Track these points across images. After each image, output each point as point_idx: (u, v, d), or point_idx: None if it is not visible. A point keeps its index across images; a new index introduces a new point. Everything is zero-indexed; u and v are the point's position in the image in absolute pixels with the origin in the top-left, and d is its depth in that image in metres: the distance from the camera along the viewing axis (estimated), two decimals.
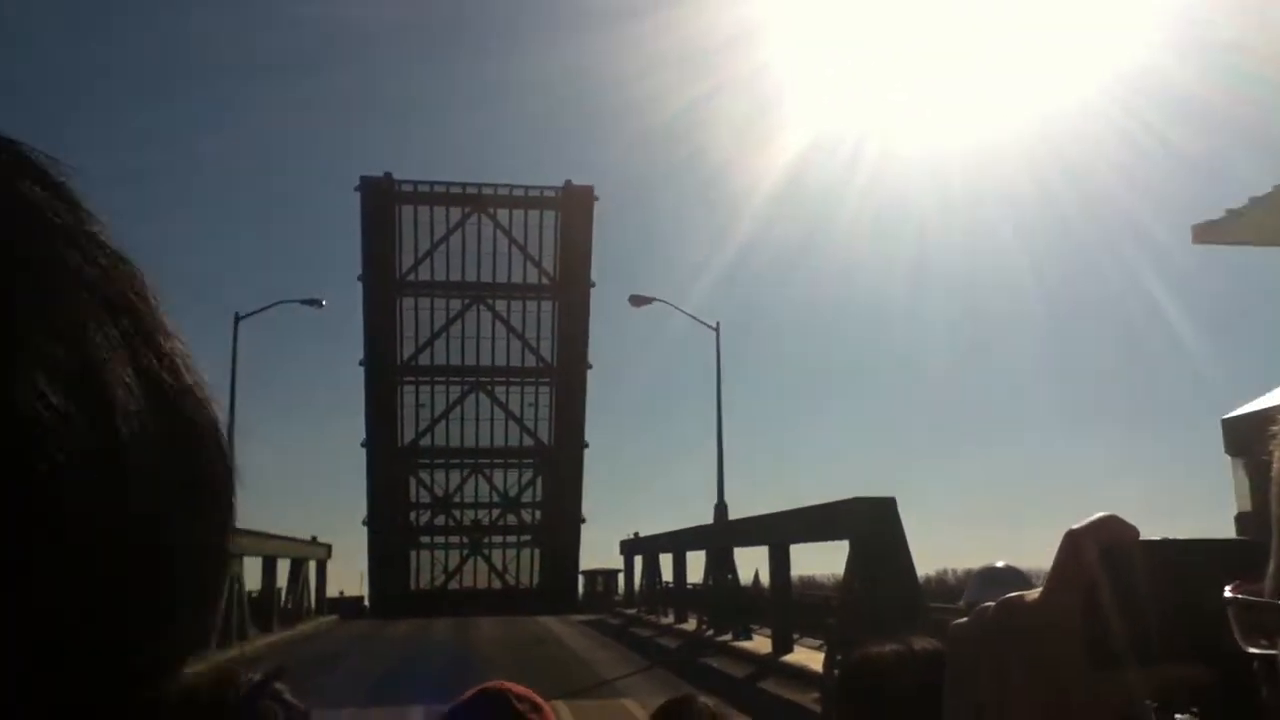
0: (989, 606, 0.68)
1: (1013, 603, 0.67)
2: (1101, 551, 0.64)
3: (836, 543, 20.79)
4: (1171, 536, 0.65)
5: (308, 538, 40.21)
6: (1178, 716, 0.62)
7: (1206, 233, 17.94)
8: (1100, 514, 0.66)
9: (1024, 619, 0.66)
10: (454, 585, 50.53)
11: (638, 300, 35.72)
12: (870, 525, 19.43)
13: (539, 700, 1.84)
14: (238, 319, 32.97)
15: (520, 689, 1.84)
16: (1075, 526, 0.66)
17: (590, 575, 49.86)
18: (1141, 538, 0.65)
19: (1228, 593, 0.61)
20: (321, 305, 35.86)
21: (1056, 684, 0.63)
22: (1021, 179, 73.62)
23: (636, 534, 42.51)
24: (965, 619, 0.70)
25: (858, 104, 78.86)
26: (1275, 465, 0.63)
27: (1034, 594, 0.67)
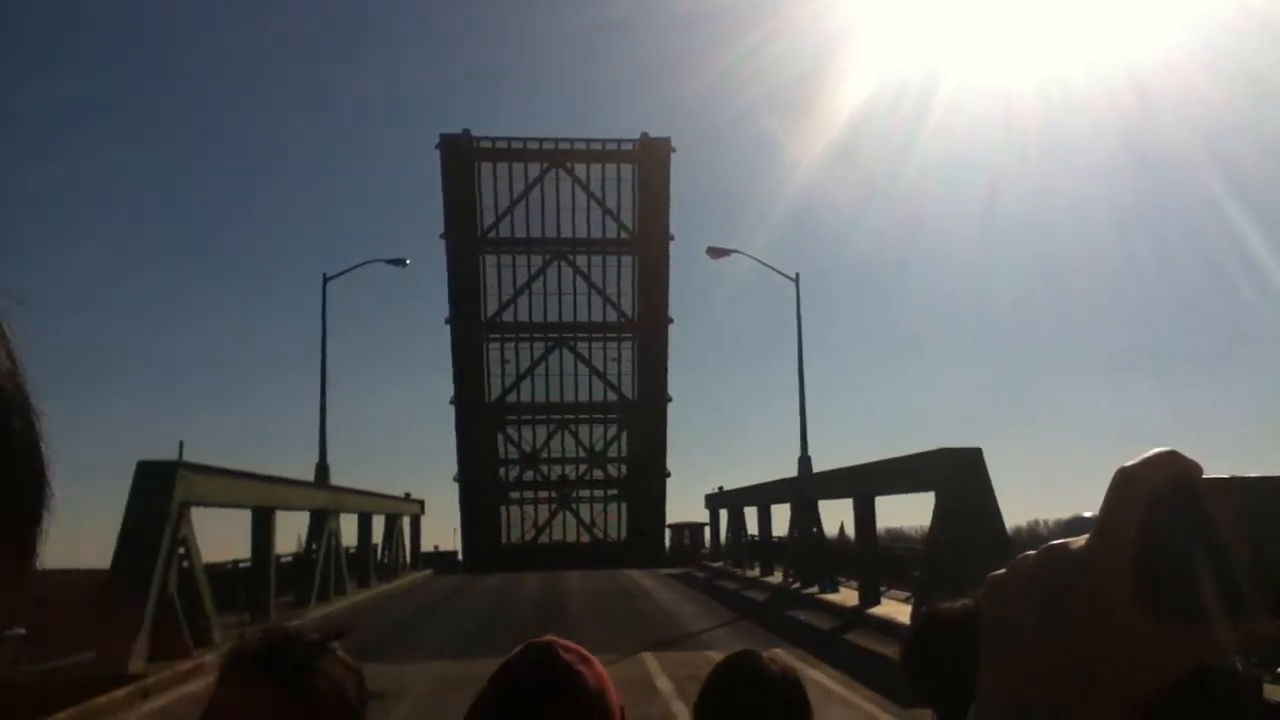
0: (1029, 555, 0.61)
1: (1056, 550, 0.60)
2: (1157, 491, 0.57)
3: (924, 494, 20.56)
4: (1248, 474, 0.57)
5: (401, 494, 40.97)
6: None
7: None
8: (1158, 449, 0.58)
9: (1067, 567, 0.59)
10: (543, 539, 51.31)
11: (716, 252, 35.47)
12: (956, 477, 19.19)
13: (586, 653, 1.86)
14: (325, 280, 33.55)
15: (567, 642, 1.86)
16: (1128, 463, 0.59)
17: (677, 529, 50.14)
18: (1206, 475, 0.57)
19: None
20: (406, 264, 36.32)
21: (1101, 638, 0.56)
22: (1101, 116, 71.12)
23: (721, 488, 42.59)
24: (1004, 569, 0.63)
25: (928, 44, 76.88)
26: None
27: (1080, 540, 0.59)
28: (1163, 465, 0.58)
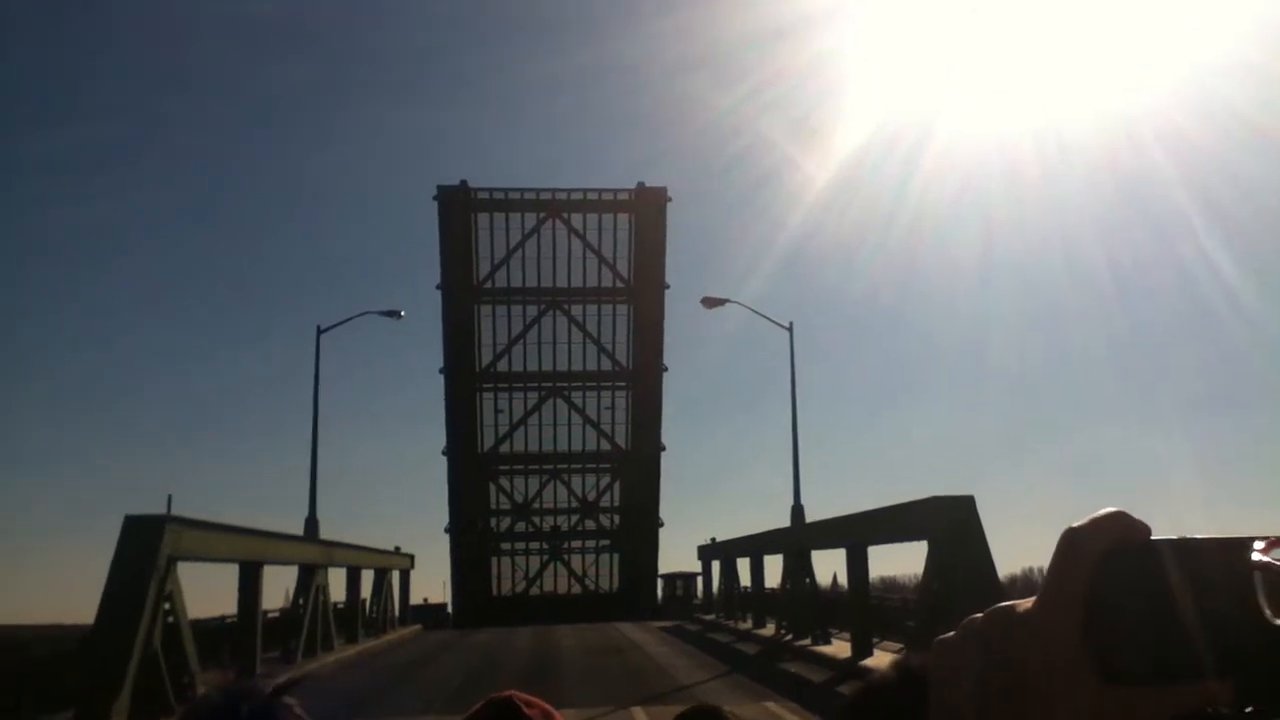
0: (977, 617, 0.60)
1: (1002, 612, 0.59)
2: (1105, 553, 0.56)
3: (918, 542, 20.45)
4: (1197, 535, 0.56)
5: (391, 548, 40.73)
6: None
7: None
8: (1107, 509, 0.58)
9: (1015, 628, 0.58)
10: (535, 591, 50.95)
11: (710, 302, 35.58)
12: (949, 525, 19.11)
13: (548, 708, 1.82)
14: (319, 332, 33.58)
15: (529, 697, 1.82)
16: (1075, 524, 0.58)
17: (669, 579, 49.80)
18: (1155, 536, 0.57)
19: (1257, 556, 0.54)
20: (400, 316, 36.37)
21: (1053, 701, 0.55)
22: (1096, 164, 71.73)
23: (714, 539, 42.39)
24: (950, 634, 0.62)
25: (924, 91, 77.63)
26: None
27: (1027, 602, 0.59)
28: (1110, 526, 0.57)
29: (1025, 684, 0.56)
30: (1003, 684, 0.57)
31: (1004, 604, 0.60)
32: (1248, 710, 0.52)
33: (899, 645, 21.97)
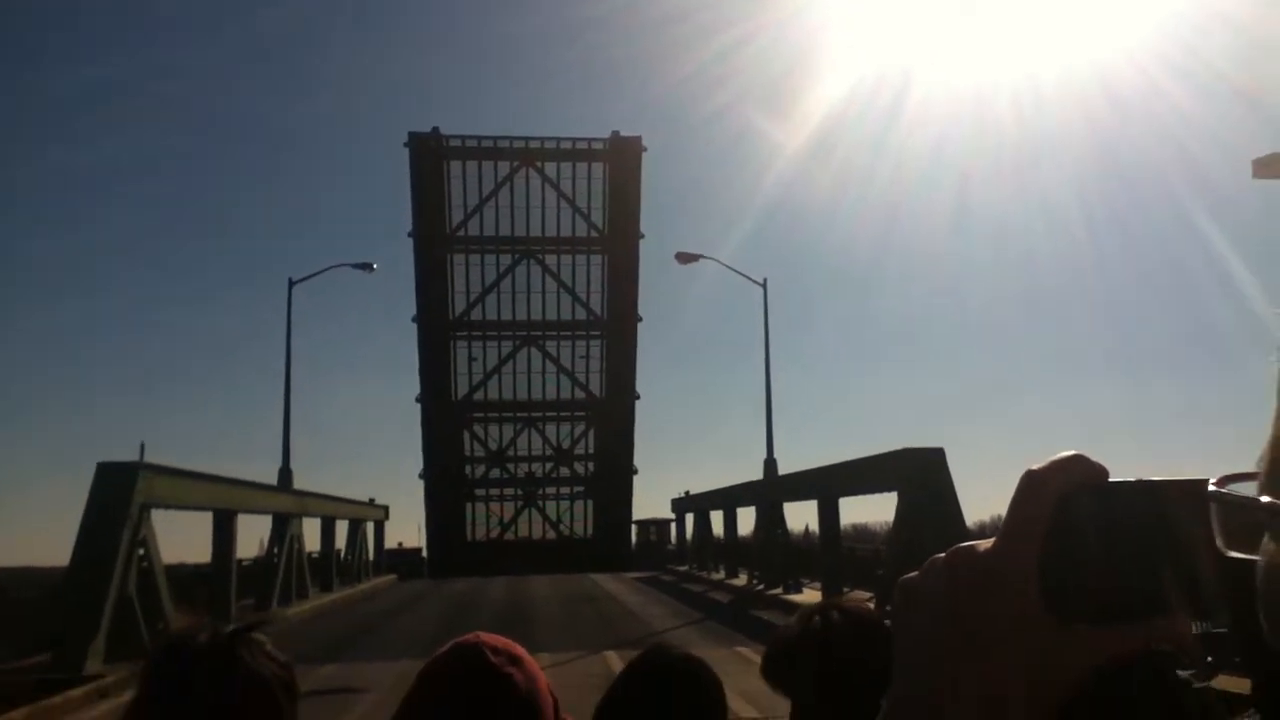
0: (939, 557, 0.61)
1: (964, 552, 0.60)
2: (1063, 494, 0.57)
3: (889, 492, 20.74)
4: (1154, 477, 0.58)
5: (366, 496, 40.81)
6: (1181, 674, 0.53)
7: (1267, 167, 17.53)
8: (1065, 452, 0.59)
9: (975, 569, 0.59)
10: (509, 536, 51.25)
11: (684, 257, 35.49)
12: (919, 476, 19.37)
13: (518, 651, 1.79)
14: (291, 284, 33.31)
15: (498, 640, 1.79)
16: (1034, 466, 0.59)
17: (643, 525, 50.18)
18: (1113, 478, 0.58)
19: (1211, 486, 0.55)
20: (373, 269, 36.07)
21: (1008, 640, 0.57)
22: (1071, 119, 71.74)
23: (687, 492, 42.71)
24: (915, 572, 0.63)
25: (900, 44, 77.24)
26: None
27: (988, 542, 0.60)
28: (1069, 468, 0.58)
29: (986, 624, 0.57)
30: (964, 624, 0.58)
31: (965, 544, 0.61)
32: (1208, 643, 0.55)
33: (869, 595, 22.31)
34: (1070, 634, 0.56)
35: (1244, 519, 0.55)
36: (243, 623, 1.76)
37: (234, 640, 1.68)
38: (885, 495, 21.19)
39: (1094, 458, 0.59)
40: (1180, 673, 0.53)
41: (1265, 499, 0.56)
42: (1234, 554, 0.55)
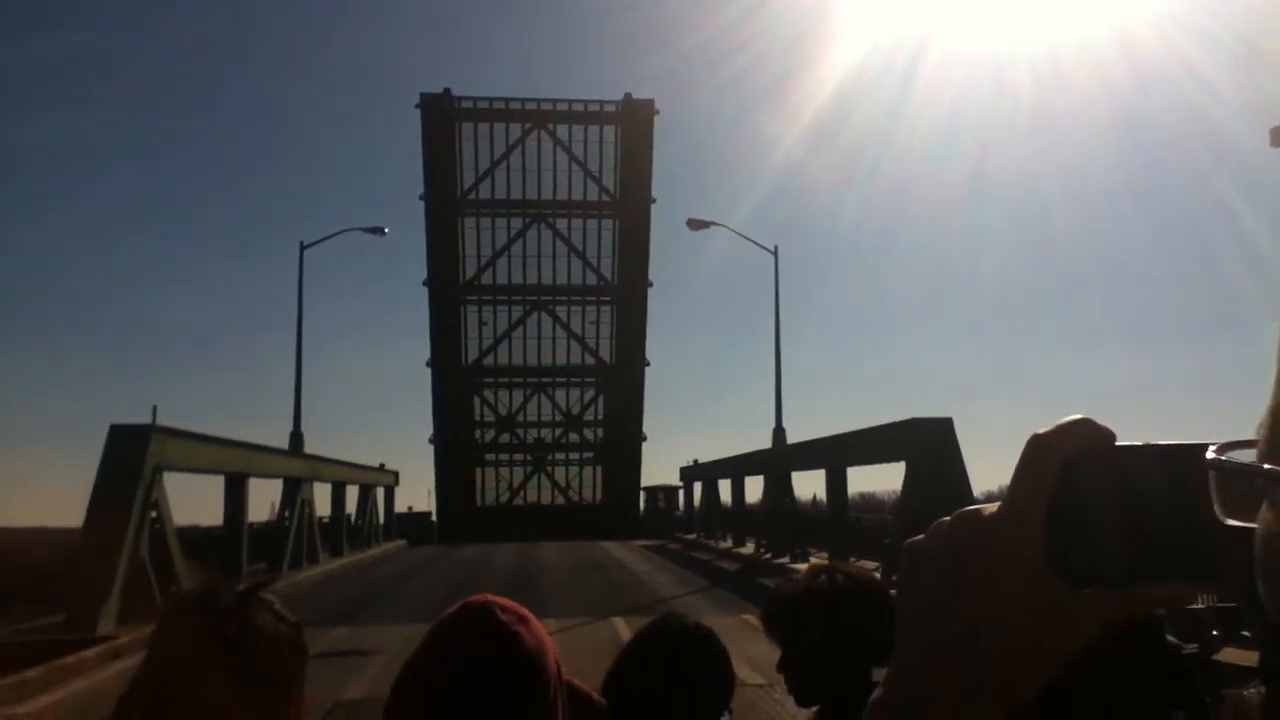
0: (944, 521, 0.62)
1: (969, 515, 0.61)
2: (1070, 458, 0.58)
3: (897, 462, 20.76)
4: (1161, 441, 0.58)
5: (376, 464, 40.95)
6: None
7: None
8: (1072, 416, 0.59)
9: (982, 532, 0.60)
10: (518, 502, 51.46)
11: (696, 224, 35.28)
12: (927, 446, 19.40)
13: (525, 612, 1.81)
14: (303, 248, 33.25)
15: (505, 601, 1.81)
16: (1040, 430, 0.60)
17: (651, 491, 50.38)
18: (1120, 442, 0.58)
19: (1210, 454, 0.55)
20: (384, 233, 35.97)
21: (1014, 603, 0.57)
22: (1090, 85, 71.00)
23: (695, 461, 42.77)
24: (921, 535, 0.64)
25: (916, 11, 76.36)
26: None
27: (994, 506, 0.60)
28: (1076, 432, 0.59)
29: (991, 587, 0.58)
30: (970, 587, 0.59)
31: (971, 508, 0.61)
32: (1217, 616, 0.57)
33: (875, 564, 22.40)
34: (1076, 597, 0.56)
35: (1243, 486, 0.55)
36: (252, 582, 1.78)
37: (245, 600, 1.70)
38: (893, 464, 21.23)
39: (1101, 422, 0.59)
40: (1170, 639, 0.58)
41: (1266, 466, 0.55)
42: (1232, 522, 0.55)
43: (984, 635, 0.58)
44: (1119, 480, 0.57)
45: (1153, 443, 0.58)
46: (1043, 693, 0.59)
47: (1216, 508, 0.55)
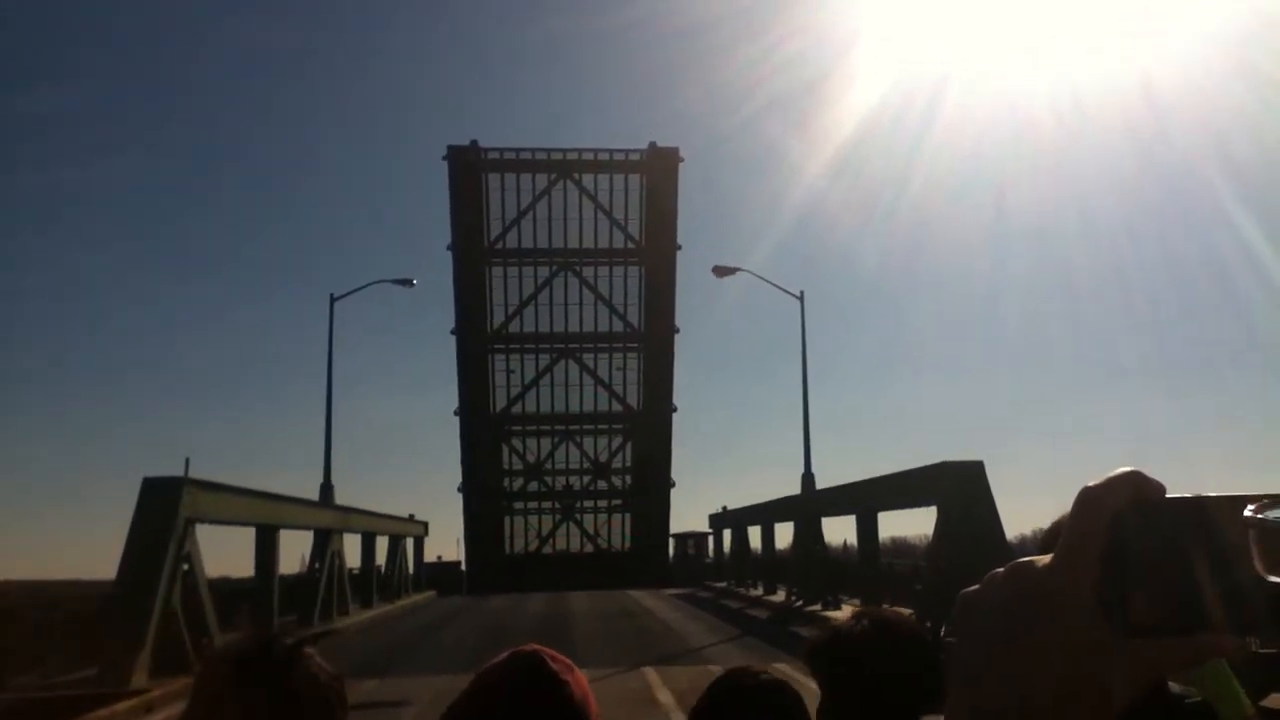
0: (999, 572, 0.64)
1: (1023, 567, 0.63)
2: (1120, 511, 0.59)
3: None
4: (1210, 493, 0.59)
5: (406, 514, 41.04)
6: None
7: None
8: (1122, 469, 0.61)
9: (1035, 584, 0.61)
10: (547, 550, 51.32)
11: (721, 271, 35.41)
12: (958, 490, 19.25)
13: (571, 663, 1.86)
14: (333, 300, 33.58)
15: (553, 652, 1.86)
16: (1091, 484, 0.61)
17: (681, 538, 50.10)
18: (1170, 495, 0.60)
19: (1248, 513, 0.56)
20: (412, 284, 36.33)
21: (1068, 653, 0.58)
22: (1110, 123, 70.93)
23: (725, 508, 42.61)
24: (975, 586, 0.65)
25: (936, 51, 76.71)
26: None
27: (1047, 558, 0.62)
28: (1125, 485, 0.60)
29: (1046, 637, 0.59)
30: (1025, 638, 0.60)
31: (1024, 559, 0.63)
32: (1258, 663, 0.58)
33: (908, 611, 22.18)
34: (1128, 646, 0.58)
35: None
36: (305, 634, 1.80)
37: (293, 652, 1.71)
38: (925, 507, 21.07)
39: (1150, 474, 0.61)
40: (1174, 688, 0.60)
41: None
42: (1274, 579, 0.56)
43: (1039, 685, 0.59)
44: (1169, 532, 0.58)
45: (1195, 494, 0.59)
46: None
47: (1258, 564, 0.56)
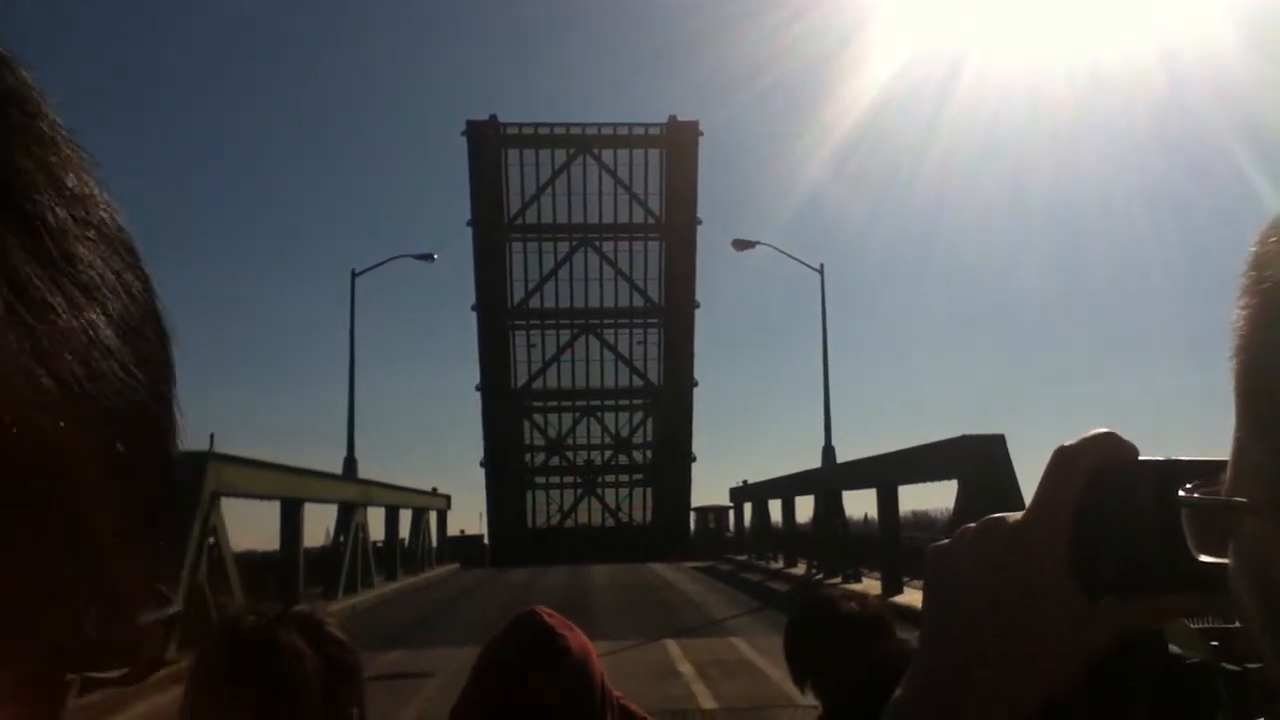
0: (970, 527, 0.65)
1: (995, 523, 0.64)
2: (1093, 471, 0.60)
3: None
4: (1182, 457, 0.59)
5: (429, 489, 41.23)
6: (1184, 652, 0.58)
7: None
8: (1097, 430, 0.62)
9: (1005, 538, 0.62)
10: (569, 524, 51.57)
11: (741, 244, 35.23)
12: (979, 464, 19.16)
13: (569, 622, 1.92)
14: (354, 275, 33.67)
15: (551, 611, 1.92)
16: (1066, 443, 0.62)
17: (701, 512, 50.25)
18: (1142, 457, 0.61)
19: (1182, 493, 0.57)
20: (433, 259, 36.34)
21: (1037, 609, 0.59)
22: (1130, 96, 70.18)
23: (745, 481, 42.64)
24: (946, 540, 0.66)
25: (955, 24, 76.04)
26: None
27: (1018, 515, 0.63)
28: (1100, 445, 0.61)
29: (1015, 593, 0.60)
30: (994, 593, 0.61)
31: (996, 515, 0.64)
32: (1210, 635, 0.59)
33: None
34: (1095, 604, 0.59)
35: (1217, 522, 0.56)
36: (294, 608, 1.80)
37: (276, 624, 1.73)
38: (945, 482, 21.03)
39: (1163, 450, 0.60)
40: (1174, 649, 0.58)
41: (1234, 499, 0.55)
42: (1205, 558, 0.56)
43: (1008, 638, 0.60)
44: (1136, 493, 0.59)
45: (1169, 458, 0.59)
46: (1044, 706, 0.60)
47: (1190, 543, 0.56)
